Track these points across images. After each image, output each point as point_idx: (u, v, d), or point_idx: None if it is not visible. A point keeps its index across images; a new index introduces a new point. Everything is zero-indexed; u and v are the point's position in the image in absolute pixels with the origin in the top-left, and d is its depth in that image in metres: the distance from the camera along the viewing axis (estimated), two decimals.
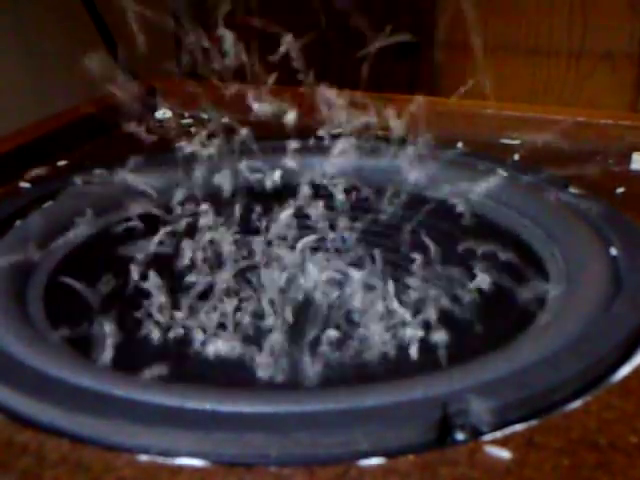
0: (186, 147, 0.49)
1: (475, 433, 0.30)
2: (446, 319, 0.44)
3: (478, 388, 0.31)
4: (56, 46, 0.82)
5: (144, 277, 0.46)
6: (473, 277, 0.46)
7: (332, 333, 0.42)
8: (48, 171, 0.55)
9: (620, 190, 0.52)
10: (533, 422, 0.31)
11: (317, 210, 0.49)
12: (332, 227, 0.49)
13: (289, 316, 0.44)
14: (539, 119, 0.62)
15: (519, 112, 0.63)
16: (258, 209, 0.49)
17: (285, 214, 0.48)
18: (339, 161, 0.51)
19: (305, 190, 0.49)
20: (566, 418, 0.32)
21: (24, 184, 0.53)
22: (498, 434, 0.30)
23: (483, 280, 0.43)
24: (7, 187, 0.53)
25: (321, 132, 0.48)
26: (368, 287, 0.47)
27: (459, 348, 0.39)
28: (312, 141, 0.52)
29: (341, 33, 1.06)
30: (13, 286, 0.41)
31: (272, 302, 0.45)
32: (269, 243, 0.48)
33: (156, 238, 0.45)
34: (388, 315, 0.45)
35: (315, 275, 0.47)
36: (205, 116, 0.66)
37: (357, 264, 0.49)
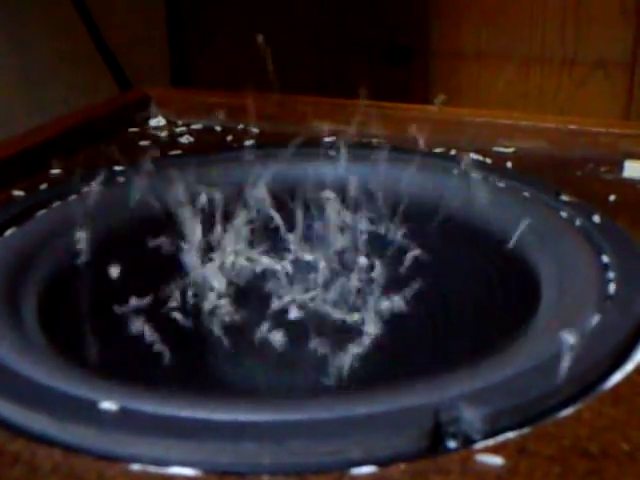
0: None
1: (467, 441, 0.30)
2: (440, 323, 0.44)
3: (470, 396, 0.31)
4: (49, 54, 0.83)
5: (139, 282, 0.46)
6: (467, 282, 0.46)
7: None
8: (42, 179, 0.55)
9: (612, 198, 0.52)
10: (525, 430, 0.31)
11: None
12: None
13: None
14: (532, 127, 0.62)
15: (512, 120, 0.63)
16: None
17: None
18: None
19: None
20: (558, 425, 0.32)
21: (17, 192, 0.53)
22: (490, 442, 0.30)
23: None
24: (0, 195, 0.53)
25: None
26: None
27: (451, 355, 0.39)
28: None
29: (334, 40, 1.06)
30: (5, 294, 0.40)
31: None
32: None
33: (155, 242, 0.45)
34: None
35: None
36: (199, 124, 0.67)
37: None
